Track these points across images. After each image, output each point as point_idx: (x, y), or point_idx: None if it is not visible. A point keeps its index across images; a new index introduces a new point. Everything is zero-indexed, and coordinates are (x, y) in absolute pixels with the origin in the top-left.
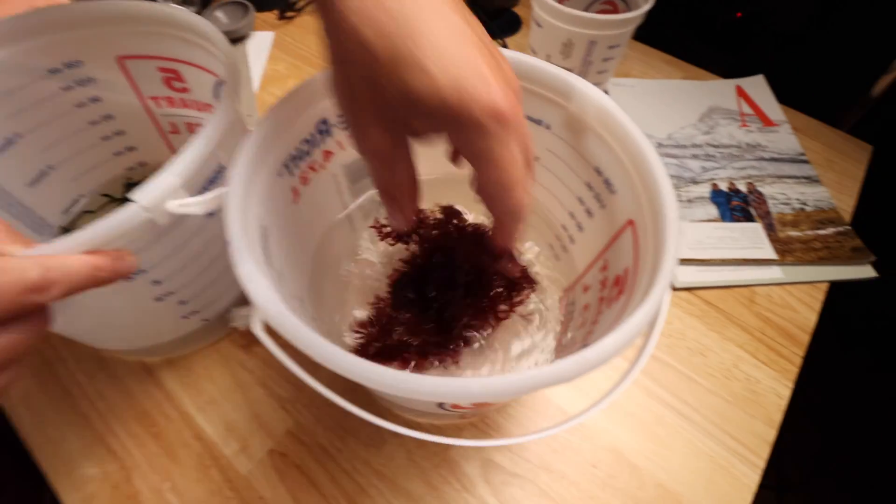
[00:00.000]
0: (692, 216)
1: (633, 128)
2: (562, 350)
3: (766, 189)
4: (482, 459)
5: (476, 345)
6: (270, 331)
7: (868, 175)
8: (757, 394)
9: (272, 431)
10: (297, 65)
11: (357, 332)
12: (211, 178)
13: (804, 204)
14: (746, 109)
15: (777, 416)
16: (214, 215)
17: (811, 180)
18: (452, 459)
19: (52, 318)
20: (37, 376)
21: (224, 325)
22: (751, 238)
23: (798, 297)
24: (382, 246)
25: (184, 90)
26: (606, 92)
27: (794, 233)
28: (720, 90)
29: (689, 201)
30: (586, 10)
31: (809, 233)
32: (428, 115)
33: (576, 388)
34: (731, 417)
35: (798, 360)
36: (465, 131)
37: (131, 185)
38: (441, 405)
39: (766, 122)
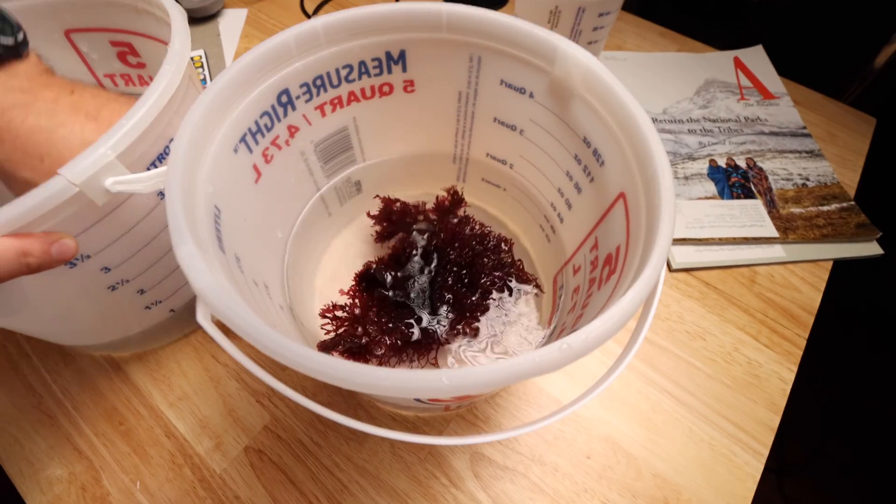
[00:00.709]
0: (689, 194)
1: (622, 91)
2: (550, 336)
3: (766, 164)
4: (471, 452)
5: (458, 342)
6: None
7: (872, 148)
8: (759, 378)
9: (248, 427)
10: None
11: (324, 317)
12: (160, 153)
13: (806, 179)
14: (745, 82)
15: (780, 401)
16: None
17: (813, 155)
18: (439, 453)
19: None
20: None
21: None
22: (751, 216)
23: (801, 276)
24: (364, 234)
25: (140, 65)
26: None
27: (796, 209)
28: (717, 62)
29: (686, 178)
30: None
31: (812, 209)
32: None
33: (568, 376)
34: (731, 403)
35: (802, 343)
36: None
37: None
38: (418, 399)
39: (766, 94)
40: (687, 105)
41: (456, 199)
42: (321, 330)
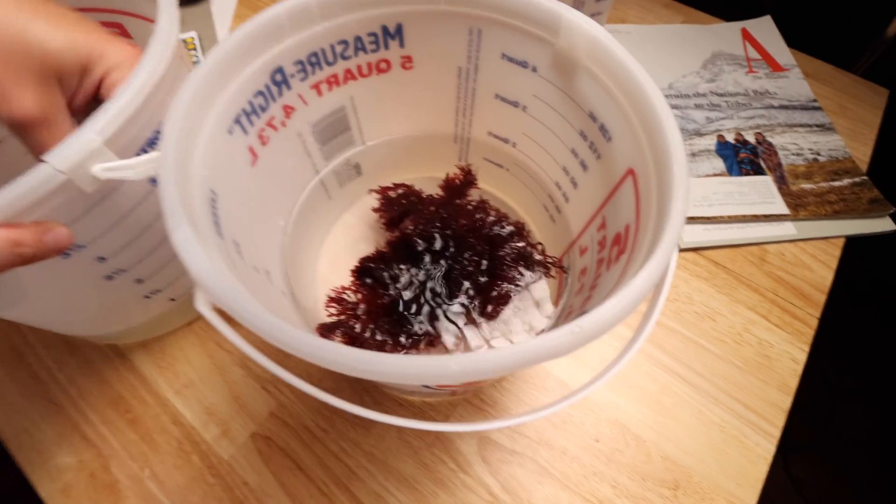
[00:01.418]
0: (697, 171)
1: (631, 61)
2: (557, 318)
3: (776, 139)
4: (478, 437)
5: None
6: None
7: (885, 121)
8: (770, 359)
9: (254, 414)
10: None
11: (330, 307)
12: (151, 139)
13: (817, 154)
14: (753, 54)
15: (792, 382)
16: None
17: (824, 128)
18: (447, 438)
19: None
20: (4, 364)
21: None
22: (761, 192)
23: (812, 254)
24: (366, 217)
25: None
26: None
27: (807, 185)
28: (724, 34)
29: (694, 155)
30: None
31: (824, 185)
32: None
33: (575, 359)
34: (742, 385)
35: (814, 322)
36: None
37: None
38: (426, 385)
39: (775, 66)
40: (693, 79)
41: (468, 179)
42: (325, 316)
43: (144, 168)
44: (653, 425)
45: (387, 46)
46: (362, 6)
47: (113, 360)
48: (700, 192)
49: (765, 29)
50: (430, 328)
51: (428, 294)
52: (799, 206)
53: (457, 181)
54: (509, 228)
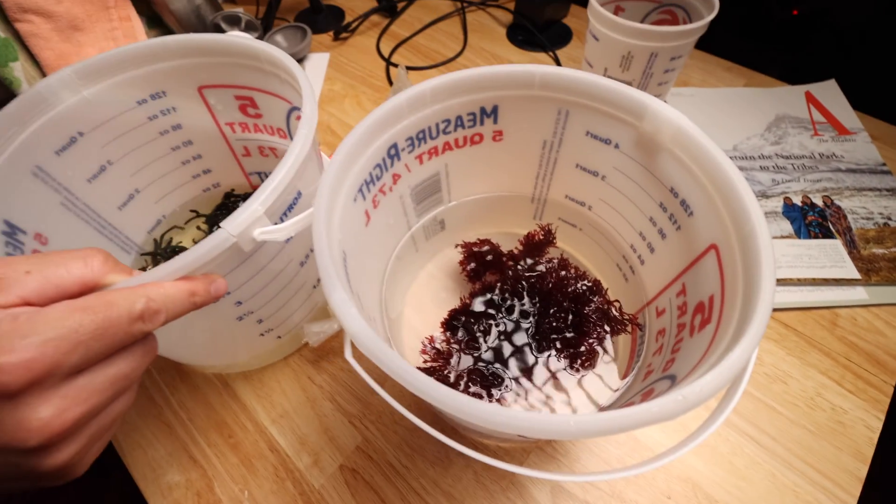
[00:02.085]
0: None
1: (715, 149)
2: (636, 375)
3: (844, 203)
4: (552, 485)
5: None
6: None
7: None
8: (844, 425)
9: (342, 446)
10: (351, 84)
11: (423, 354)
12: (290, 204)
13: (888, 218)
14: (818, 117)
15: (868, 450)
16: (290, 239)
17: (894, 193)
18: (521, 483)
19: (156, 343)
20: None
21: (295, 341)
22: (830, 256)
23: (886, 320)
24: (447, 268)
25: (257, 115)
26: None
27: (878, 250)
28: (788, 97)
29: None
30: (644, 20)
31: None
32: None
33: None
34: (815, 450)
35: (889, 390)
36: None
37: (220, 208)
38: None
39: (841, 130)
40: (758, 141)
41: (548, 238)
42: (414, 360)
43: (288, 231)
44: (725, 486)
45: (482, 123)
46: (466, 91)
47: (218, 387)
48: None
49: (830, 92)
50: (516, 381)
51: (516, 348)
52: (871, 270)
53: (536, 239)
54: (588, 285)
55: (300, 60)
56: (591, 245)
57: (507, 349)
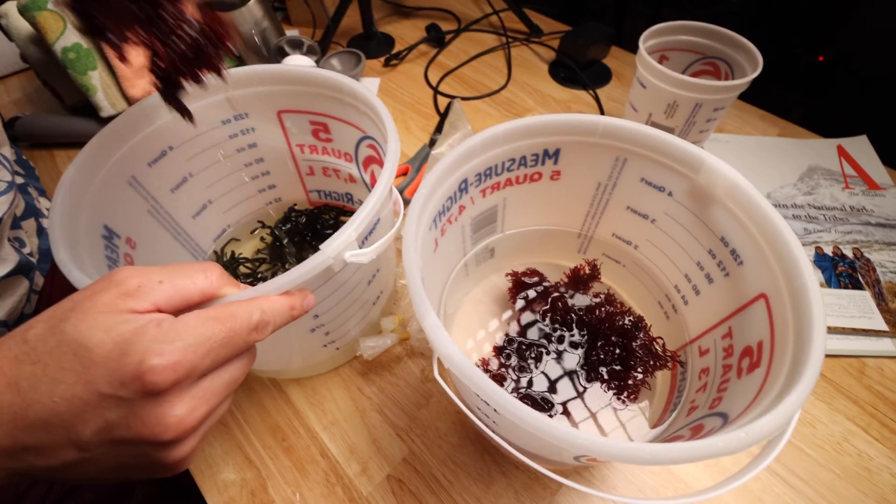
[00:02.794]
0: None
1: (767, 205)
2: (679, 410)
3: (873, 256)
4: None
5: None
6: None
7: None
8: (870, 471)
9: (389, 457)
10: (400, 109)
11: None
12: (371, 229)
13: None
14: (849, 171)
15: (892, 498)
16: None
17: None
18: None
19: (256, 352)
20: None
21: (347, 353)
22: (859, 307)
23: None
24: (493, 293)
25: (328, 140)
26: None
27: None
28: (820, 149)
29: None
30: (686, 70)
31: None
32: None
33: None
34: (842, 493)
35: None
36: None
37: (283, 221)
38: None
39: (872, 185)
40: (790, 190)
41: (594, 273)
42: None
43: (371, 254)
44: None
45: (543, 163)
46: (533, 135)
47: (272, 391)
48: None
49: (861, 147)
50: (564, 406)
51: (565, 376)
52: None
53: (583, 273)
54: (632, 321)
55: None
56: (633, 281)
57: (555, 376)
